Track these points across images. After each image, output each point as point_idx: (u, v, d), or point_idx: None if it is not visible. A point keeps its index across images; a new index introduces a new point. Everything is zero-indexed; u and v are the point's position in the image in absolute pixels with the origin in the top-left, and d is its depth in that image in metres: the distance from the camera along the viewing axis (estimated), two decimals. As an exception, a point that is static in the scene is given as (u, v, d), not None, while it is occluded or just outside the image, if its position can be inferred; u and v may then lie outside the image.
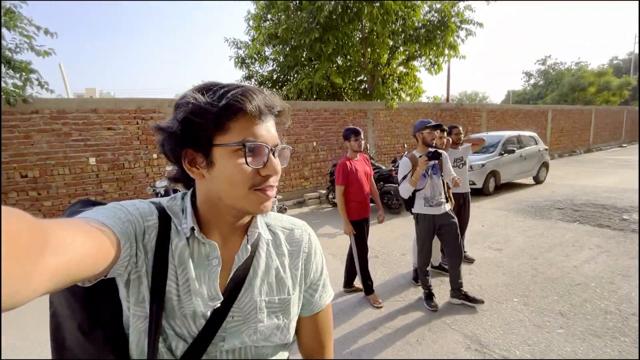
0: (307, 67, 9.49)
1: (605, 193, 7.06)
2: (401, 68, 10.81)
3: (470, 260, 3.81)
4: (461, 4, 9.30)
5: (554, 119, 14.83)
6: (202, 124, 0.53)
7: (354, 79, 10.62)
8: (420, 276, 3.00)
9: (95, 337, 0.58)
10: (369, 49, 9.46)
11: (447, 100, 13.97)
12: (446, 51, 8.93)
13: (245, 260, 0.62)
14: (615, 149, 17.90)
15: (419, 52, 9.70)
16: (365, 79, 10.51)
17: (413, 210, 2.98)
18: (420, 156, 2.76)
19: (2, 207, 0.29)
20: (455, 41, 8.79)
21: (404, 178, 2.87)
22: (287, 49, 9.35)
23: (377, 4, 7.60)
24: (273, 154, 0.57)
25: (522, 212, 5.95)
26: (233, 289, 0.60)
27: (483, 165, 7.27)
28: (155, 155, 5.96)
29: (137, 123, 5.77)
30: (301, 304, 0.70)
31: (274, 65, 10.59)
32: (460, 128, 3.77)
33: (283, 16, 8.41)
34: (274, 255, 0.67)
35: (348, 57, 9.89)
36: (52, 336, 0.61)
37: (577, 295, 2.95)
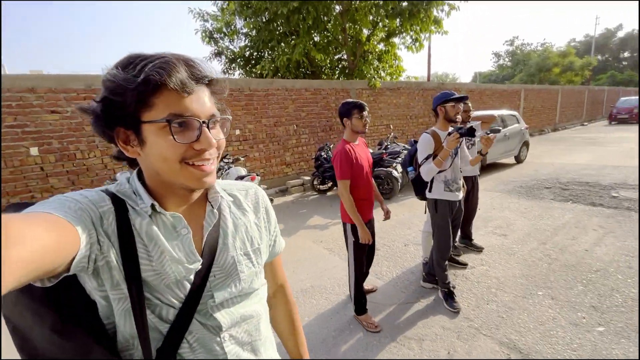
0: (283, 43, 8.72)
1: (585, 170, 7.16)
2: (381, 46, 10.30)
3: (479, 249, 3.54)
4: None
5: (526, 99, 15.15)
6: (124, 102, 0.51)
7: (333, 57, 9.98)
8: (438, 273, 2.64)
9: (74, 333, 0.54)
10: (349, 24, 8.83)
11: (428, 79, 13.73)
12: (431, 25, 8.49)
13: (214, 224, 0.64)
14: (577, 127, 18.79)
15: (400, 27, 9.22)
16: (344, 56, 9.90)
17: (430, 196, 2.61)
18: (450, 132, 2.34)
19: None
20: (439, 16, 8.38)
21: (426, 158, 2.47)
22: (261, 22, 8.49)
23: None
24: (207, 127, 0.55)
25: (514, 192, 5.84)
26: (209, 251, 0.62)
27: (470, 145, 7.08)
28: (114, 143, 5.11)
29: (89, 104, 4.87)
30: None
31: (247, 41, 9.67)
32: (470, 104, 3.38)
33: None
34: (238, 214, 0.70)
35: (326, 32, 9.20)
36: (22, 351, 0.55)
37: (601, 284, 2.74)
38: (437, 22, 8.37)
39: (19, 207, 0.53)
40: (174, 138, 0.52)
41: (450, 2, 8.75)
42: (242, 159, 5.76)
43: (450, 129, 2.56)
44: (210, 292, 0.61)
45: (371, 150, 6.53)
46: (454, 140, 2.28)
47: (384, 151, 6.03)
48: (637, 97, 19.30)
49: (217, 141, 0.58)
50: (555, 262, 3.18)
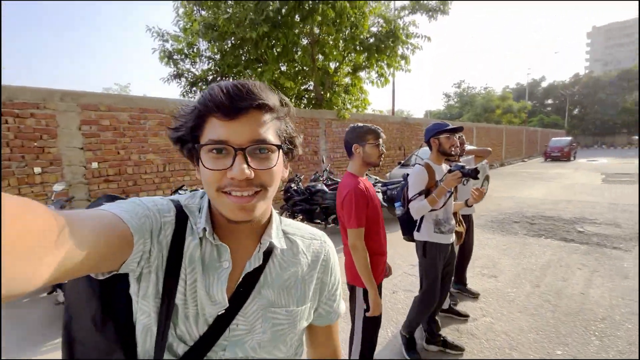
0: (249, 69, 8.37)
1: (543, 205, 7.47)
2: (347, 80, 10.43)
3: (474, 295, 3.18)
4: (406, 19, 9.35)
5: (477, 136, 16.27)
6: (189, 126, 0.55)
7: (301, 86, 9.82)
8: (413, 320, 2.32)
9: (107, 330, 0.57)
10: (318, 56, 8.80)
11: (392, 113, 14.18)
12: (397, 64, 8.76)
13: (256, 267, 0.60)
14: (519, 163, 20.61)
15: (366, 62, 9.43)
16: (312, 87, 9.79)
17: (418, 237, 2.27)
18: (451, 169, 2.06)
19: (17, 198, 0.29)
20: (405, 52, 8.71)
21: (419, 194, 2.15)
22: (227, 46, 8.10)
23: (331, 4, 6.97)
24: (244, 155, 0.51)
25: (487, 227, 5.76)
26: (240, 296, 0.58)
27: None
28: (38, 169, 4.14)
29: (7, 122, 3.93)
30: (315, 315, 0.69)
31: (210, 64, 9.16)
32: (463, 136, 3.16)
33: (223, 5, 7.18)
34: (288, 265, 0.64)
35: (294, 62, 9.07)
36: (64, 330, 0.60)
37: (615, 336, 2.48)
38: (405, 58, 8.67)
39: (109, 199, 0.59)
40: (203, 164, 0.53)
41: (413, 42, 9.20)
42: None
43: (445, 166, 2.31)
44: (225, 343, 0.57)
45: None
46: (454, 179, 2.02)
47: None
48: (566, 138, 21.84)
49: (262, 171, 0.53)
50: (557, 309, 2.91)
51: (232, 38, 7.89)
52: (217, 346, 0.56)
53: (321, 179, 6.48)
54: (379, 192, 5.99)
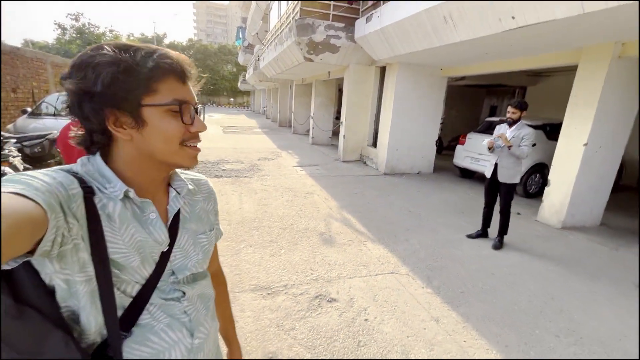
0: None
1: (193, 152, 9.03)
2: None
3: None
4: None
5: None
6: (132, 84, 0.56)
7: None
8: None
9: (28, 316, 0.54)
10: None
11: None
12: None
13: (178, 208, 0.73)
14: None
15: None
16: None
17: None
18: None
19: None
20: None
21: None
22: None
23: None
24: (197, 113, 0.65)
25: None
26: (172, 234, 0.70)
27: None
28: None
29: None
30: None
31: None
32: None
33: None
34: (194, 202, 0.79)
35: None
36: None
37: (268, 227, 4.17)
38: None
39: None
40: (183, 120, 0.61)
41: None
42: None
43: None
44: (171, 270, 0.69)
45: None
46: None
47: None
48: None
49: (202, 125, 0.67)
50: (233, 222, 4.23)
51: None
52: (165, 275, 0.68)
53: None
54: (11, 150, 4.47)
